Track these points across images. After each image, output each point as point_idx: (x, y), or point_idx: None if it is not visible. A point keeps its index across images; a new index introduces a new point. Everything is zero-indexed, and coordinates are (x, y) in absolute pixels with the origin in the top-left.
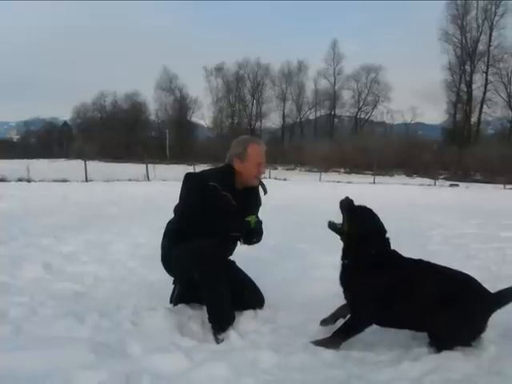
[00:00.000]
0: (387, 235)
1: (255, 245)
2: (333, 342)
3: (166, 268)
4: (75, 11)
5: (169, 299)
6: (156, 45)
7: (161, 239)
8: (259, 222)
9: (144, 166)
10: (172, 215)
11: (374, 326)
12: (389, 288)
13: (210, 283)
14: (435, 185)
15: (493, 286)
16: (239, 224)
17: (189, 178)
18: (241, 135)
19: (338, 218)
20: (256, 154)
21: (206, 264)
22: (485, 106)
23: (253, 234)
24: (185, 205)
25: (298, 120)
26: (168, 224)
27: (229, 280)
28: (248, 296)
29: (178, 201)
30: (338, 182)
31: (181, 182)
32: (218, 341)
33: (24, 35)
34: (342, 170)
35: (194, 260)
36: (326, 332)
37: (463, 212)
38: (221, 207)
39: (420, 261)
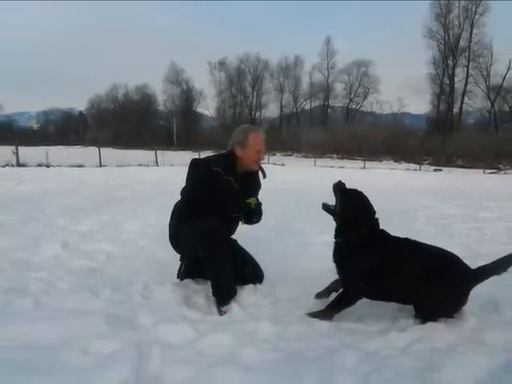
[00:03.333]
0: (376, 216)
1: (255, 225)
2: (326, 313)
3: (173, 246)
4: (90, 11)
5: (176, 275)
6: (164, 41)
7: (168, 219)
8: (259, 204)
9: (153, 152)
10: (179, 197)
11: (364, 300)
12: (377, 264)
13: (214, 259)
14: (420, 170)
15: (473, 262)
16: (240, 205)
17: (194, 164)
18: (242, 124)
19: (332, 200)
20: (256, 142)
21: (210, 241)
22: (466, 98)
23: (253, 215)
24: (190, 188)
25: (295, 110)
26: (175, 206)
27: (231, 257)
28: (248, 271)
29: (184, 184)
30: (331, 167)
31: (187, 167)
32: (221, 313)
33: (46, 32)
34: (335, 155)
35: (199, 237)
36: (320, 305)
37: (446, 195)
38: (223, 190)
39: (406, 239)
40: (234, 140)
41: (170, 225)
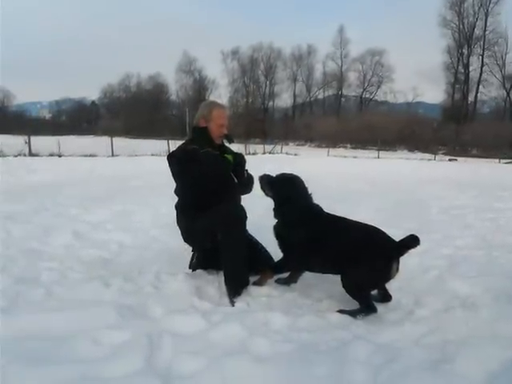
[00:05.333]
0: (310, 194)
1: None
2: (266, 276)
3: (189, 242)
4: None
5: (188, 265)
6: (177, 30)
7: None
8: (239, 155)
9: (166, 142)
10: (176, 198)
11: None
12: (307, 239)
13: (231, 246)
14: (435, 159)
15: (487, 253)
16: (222, 163)
17: (170, 158)
18: (255, 113)
19: (340, 190)
20: (219, 116)
21: (232, 227)
22: (481, 87)
23: (239, 168)
24: (181, 181)
25: (308, 99)
26: (176, 207)
27: (247, 246)
28: (260, 261)
29: (174, 185)
30: (345, 156)
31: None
32: (232, 304)
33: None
34: (349, 145)
35: (219, 223)
36: (331, 295)
37: (461, 185)
38: (209, 162)
39: (334, 216)
40: (199, 115)
41: (180, 223)
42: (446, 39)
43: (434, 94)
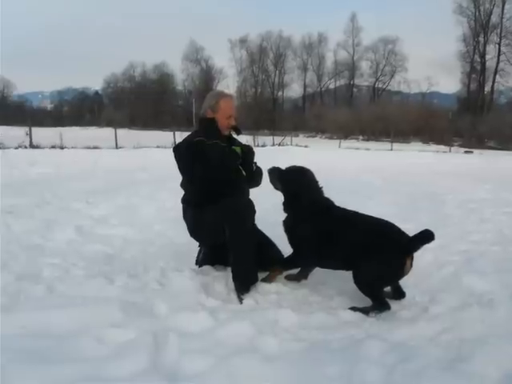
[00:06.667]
0: (320, 186)
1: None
2: (274, 274)
3: (196, 237)
4: None
5: (194, 261)
6: (183, 18)
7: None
8: (247, 148)
9: (171, 133)
10: (182, 192)
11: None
12: (318, 233)
13: (239, 242)
14: (450, 151)
15: (505, 248)
16: (229, 156)
17: (176, 151)
18: (263, 104)
19: (352, 183)
20: (227, 107)
21: (242, 221)
22: (498, 76)
23: (247, 160)
24: (188, 174)
25: (319, 89)
26: (182, 201)
27: (256, 242)
28: (269, 257)
29: (180, 178)
30: (357, 148)
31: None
32: (241, 301)
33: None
34: (361, 137)
35: (226, 217)
36: (342, 292)
37: (477, 178)
38: (215, 154)
39: (346, 210)
40: (206, 104)
41: (187, 218)
42: (462, 27)
43: (449, 83)
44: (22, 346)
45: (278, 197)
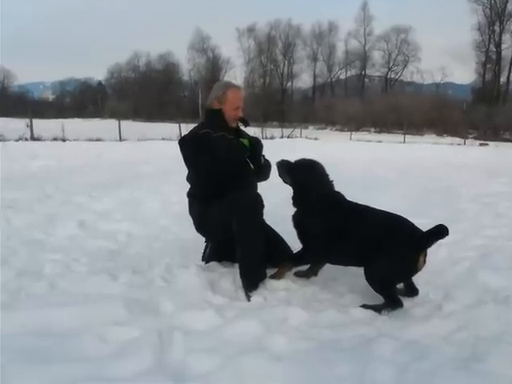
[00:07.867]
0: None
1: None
2: (283, 271)
3: (202, 232)
4: None
5: (201, 257)
6: (188, 6)
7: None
8: (255, 140)
9: (177, 125)
10: (188, 186)
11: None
12: (328, 229)
13: (247, 237)
14: (465, 144)
15: None
16: (237, 148)
17: (182, 144)
18: (272, 95)
19: (363, 176)
20: (234, 98)
21: (250, 215)
22: None
23: (255, 153)
24: (194, 167)
25: (329, 80)
26: (188, 195)
27: (264, 238)
28: (278, 253)
29: (186, 171)
30: (369, 141)
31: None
32: (248, 298)
33: None
34: (373, 129)
35: (234, 211)
36: (353, 289)
37: (492, 171)
38: (221, 147)
39: (358, 204)
40: (213, 96)
41: (193, 212)
42: (477, 16)
43: (463, 74)
44: (23, 345)
45: (288, 191)
